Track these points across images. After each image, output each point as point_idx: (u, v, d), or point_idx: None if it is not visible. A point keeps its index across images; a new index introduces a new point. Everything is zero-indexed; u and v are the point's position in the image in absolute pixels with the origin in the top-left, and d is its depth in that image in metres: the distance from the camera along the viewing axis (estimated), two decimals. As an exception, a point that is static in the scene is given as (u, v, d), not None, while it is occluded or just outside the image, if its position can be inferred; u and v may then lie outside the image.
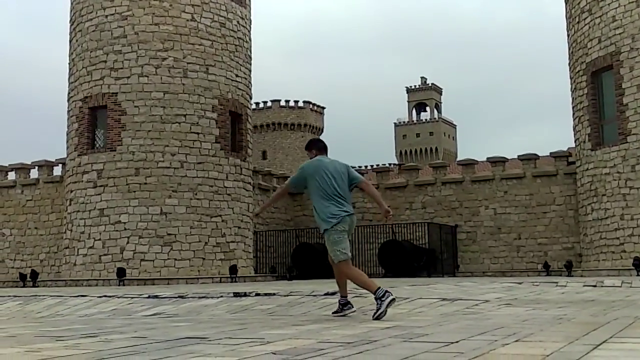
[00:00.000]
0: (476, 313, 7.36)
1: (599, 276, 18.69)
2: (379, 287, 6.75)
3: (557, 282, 13.00)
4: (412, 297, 9.41)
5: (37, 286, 24.00)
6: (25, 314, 10.08)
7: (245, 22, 27.19)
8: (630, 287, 11.97)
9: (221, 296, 10.55)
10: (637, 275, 20.44)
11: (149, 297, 10.67)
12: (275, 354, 3.87)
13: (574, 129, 27.12)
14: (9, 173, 30.51)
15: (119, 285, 21.49)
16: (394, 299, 6.76)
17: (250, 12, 27.82)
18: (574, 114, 27.12)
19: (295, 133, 66.97)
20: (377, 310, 6.62)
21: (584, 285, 12.17)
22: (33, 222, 29.12)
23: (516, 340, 4.28)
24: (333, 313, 7.59)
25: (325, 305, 8.92)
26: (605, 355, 3.52)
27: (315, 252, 28.25)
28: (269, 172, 33.47)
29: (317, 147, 7.66)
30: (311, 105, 69.40)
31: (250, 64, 27.48)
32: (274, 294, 10.29)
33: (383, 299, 6.64)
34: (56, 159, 29.24)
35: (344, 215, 7.20)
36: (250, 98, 27.73)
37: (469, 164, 30.33)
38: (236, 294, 10.58)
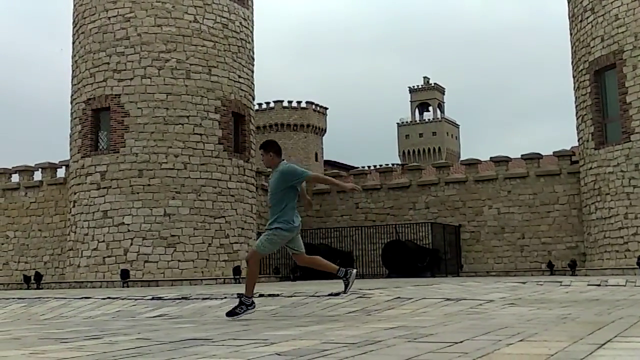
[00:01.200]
0: (480, 313, 7.35)
1: (603, 275, 18.66)
2: (245, 295, 7.52)
3: (561, 282, 12.99)
4: (416, 297, 9.40)
5: (41, 288, 24.03)
6: (29, 316, 10.09)
7: (248, 23, 27.20)
8: (635, 286, 11.94)
9: (225, 297, 10.55)
10: (642, 274, 20.41)
11: (152, 298, 10.68)
12: (279, 355, 3.87)
13: (577, 127, 27.08)
14: (13, 175, 30.55)
15: (123, 286, 21.51)
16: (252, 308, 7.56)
17: (252, 13, 27.83)
18: (577, 112, 27.09)
19: (298, 134, 67.01)
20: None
21: (588, 285, 12.15)
22: (37, 224, 29.14)
23: (520, 340, 4.27)
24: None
25: (329, 306, 8.92)
26: (609, 355, 3.51)
27: (319, 253, 28.21)
28: (272, 173, 33.45)
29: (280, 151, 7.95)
30: (314, 106, 69.42)
31: (253, 65, 27.51)
32: (278, 295, 10.30)
33: (241, 309, 7.44)
34: (59, 161, 29.27)
35: (295, 226, 7.60)
36: (253, 99, 27.75)
37: (472, 163, 30.31)
38: (240, 295, 10.57)
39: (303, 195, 7.94)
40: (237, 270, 23.70)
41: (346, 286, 7.99)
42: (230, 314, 7.50)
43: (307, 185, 8.10)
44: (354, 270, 8.04)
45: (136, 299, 10.70)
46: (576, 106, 27.13)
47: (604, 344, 3.93)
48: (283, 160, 7.82)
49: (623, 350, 3.70)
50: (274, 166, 7.74)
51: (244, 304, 7.52)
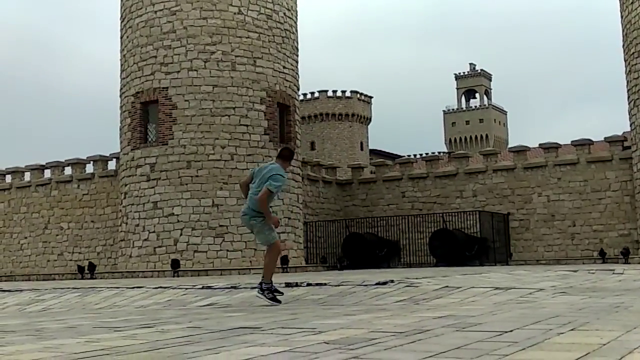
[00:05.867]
0: (530, 302, 7.27)
1: (657, 263, 18.23)
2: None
3: (613, 270, 12.74)
4: (464, 286, 9.34)
5: (95, 278, 24.58)
6: (83, 306, 10.35)
7: (292, 14, 27.22)
8: (691, 274, 11.64)
9: (273, 286, 10.64)
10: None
11: (202, 287, 10.84)
12: (327, 343, 3.90)
13: (629, 112, 26.44)
14: (65, 168, 31.27)
15: (174, 276, 21.85)
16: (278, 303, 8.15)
17: (296, 3, 27.83)
18: (628, 97, 26.45)
19: (343, 123, 66.86)
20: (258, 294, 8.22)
21: (642, 273, 11.89)
22: (89, 216, 29.79)
23: (572, 329, 4.22)
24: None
25: (376, 295, 8.93)
26: (664, 344, 3.45)
27: (366, 242, 28.24)
28: (318, 163, 33.53)
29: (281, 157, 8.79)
30: (358, 95, 69.14)
31: (298, 55, 27.53)
32: (325, 284, 10.34)
33: (266, 294, 8.16)
34: (110, 154, 29.82)
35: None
36: (298, 89, 27.80)
37: (521, 150, 29.87)
38: (288, 284, 10.66)
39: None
40: (284, 260, 23.83)
41: (259, 291, 8.26)
42: (268, 297, 8.24)
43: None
44: (267, 301, 8.17)
45: (186, 288, 10.88)
46: (628, 90, 26.48)
47: (658, 333, 3.86)
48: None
49: (678, 339, 3.62)
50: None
51: (268, 290, 8.30)
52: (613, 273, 12.09)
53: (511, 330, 4.22)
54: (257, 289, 8.32)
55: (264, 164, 9.01)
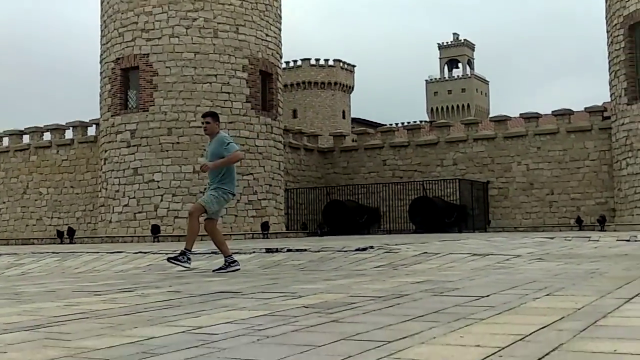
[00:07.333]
0: (507, 268, 7.36)
1: (632, 231, 18.47)
2: (186, 248, 8.02)
3: (589, 237, 12.91)
4: (442, 252, 9.43)
5: (74, 243, 24.53)
6: (63, 270, 10.34)
7: (275, -20, 26.91)
8: (665, 242, 11.83)
9: (253, 252, 10.70)
10: (673, 230, 20.21)
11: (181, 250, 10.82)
12: (307, 307, 3.93)
13: (610, 83, 26.59)
14: (45, 134, 31.00)
15: (154, 241, 21.86)
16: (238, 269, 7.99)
17: (279, -31, 27.51)
18: (610, 68, 26.57)
19: (325, 92, 66.57)
20: (221, 268, 7.92)
21: (617, 240, 12.07)
22: (69, 181, 29.65)
23: (547, 295, 4.29)
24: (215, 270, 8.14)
25: (356, 261, 9.00)
26: (637, 309, 3.52)
27: (346, 209, 28.36)
28: (300, 131, 33.47)
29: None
30: (341, 64, 68.77)
31: (280, 23, 27.29)
32: (306, 250, 10.40)
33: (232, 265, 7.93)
34: (90, 120, 29.58)
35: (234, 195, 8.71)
36: (281, 57, 27.61)
37: (502, 120, 30.00)
38: (268, 250, 10.71)
39: (214, 163, 8.27)
40: (265, 226, 23.93)
41: (221, 268, 7.98)
42: (172, 260, 8.10)
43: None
44: (238, 268, 8.06)
45: (166, 253, 10.87)
46: (609, 61, 26.58)
47: (631, 299, 3.93)
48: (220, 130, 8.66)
49: (650, 304, 3.70)
50: (214, 135, 8.47)
51: (185, 255, 8.03)
52: (589, 240, 12.26)
53: (488, 295, 4.28)
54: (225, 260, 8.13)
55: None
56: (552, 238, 13.14)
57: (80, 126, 29.93)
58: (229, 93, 24.64)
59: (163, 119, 24.08)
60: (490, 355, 2.32)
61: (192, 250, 8.22)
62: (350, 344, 2.63)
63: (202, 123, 8.62)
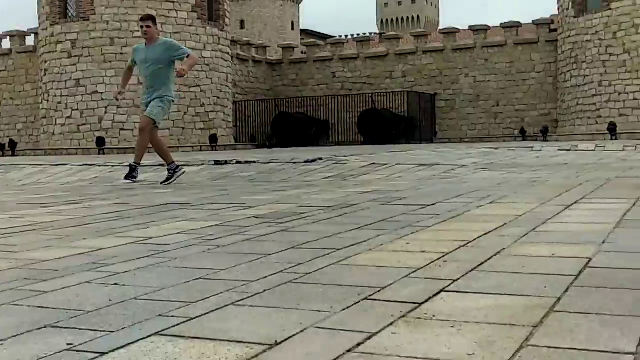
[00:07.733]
0: (453, 177, 7.51)
1: (573, 141, 18.99)
2: (135, 162, 8.04)
3: (532, 147, 13.21)
4: (390, 163, 9.55)
5: (16, 155, 24.02)
6: (6, 183, 10.13)
7: None
8: (604, 150, 12.21)
9: (202, 164, 10.65)
10: (611, 139, 20.83)
11: (129, 165, 10.71)
12: (257, 217, 3.97)
13: (558, -5, 26.66)
14: (-20, 43, 29.72)
15: (99, 154, 21.56)
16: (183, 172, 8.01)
17: None
18: (557, -21, 26.57)
19: (274, 2, 65.01)
20: (167, 179, 7.81)
21: (559, 150, 12.37)
22: (8, 93, 28.75)
23: (491, 202, 4.41)
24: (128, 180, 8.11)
25: (305, 172, 9.06)
26: (575, 215, 3.65)
27: (295, 121, 28.30)
28: (248, 42, 32.82)
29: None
30: (290, -28, 67.02)
31: None
32: (255, 162, 10.40)
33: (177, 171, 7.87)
34: (28, 29, 28.48)
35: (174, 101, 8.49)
36: (227, -37, 26.73)
37: (451, 32, 29.96)
38: (217, 162, 10.67)
39: (186, 65, 8.02)
40: (213, 138, 23.76)
41: (168, 179, 7.83)
42: (127, 177, 8.06)
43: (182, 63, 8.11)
44: (184, 171, 8.07)
45: (113, 166, 10.75)
46: (557, -28, 26.56)
47: (570, 205, 4.08)
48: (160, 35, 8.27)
49: (588, 210, 3.85)
50: (154, 40, 8.01)
51: (136, 170, 8.07)
52: (532, 150, 12.54)
53: (434, 204, 4.38)
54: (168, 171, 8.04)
55: (141, 45, 8.18)
56: (496, 148, 13.41)
57: (17, 35, 28.83)
58: (173, 2, 23.89)
59: (105, 29, 23.31)
60: (435, 260, 2.40)
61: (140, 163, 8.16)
62: (300, 252, 2.68)
63: (142, 27, 8.03)
